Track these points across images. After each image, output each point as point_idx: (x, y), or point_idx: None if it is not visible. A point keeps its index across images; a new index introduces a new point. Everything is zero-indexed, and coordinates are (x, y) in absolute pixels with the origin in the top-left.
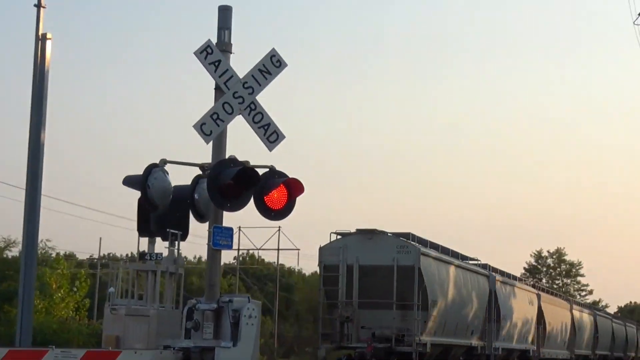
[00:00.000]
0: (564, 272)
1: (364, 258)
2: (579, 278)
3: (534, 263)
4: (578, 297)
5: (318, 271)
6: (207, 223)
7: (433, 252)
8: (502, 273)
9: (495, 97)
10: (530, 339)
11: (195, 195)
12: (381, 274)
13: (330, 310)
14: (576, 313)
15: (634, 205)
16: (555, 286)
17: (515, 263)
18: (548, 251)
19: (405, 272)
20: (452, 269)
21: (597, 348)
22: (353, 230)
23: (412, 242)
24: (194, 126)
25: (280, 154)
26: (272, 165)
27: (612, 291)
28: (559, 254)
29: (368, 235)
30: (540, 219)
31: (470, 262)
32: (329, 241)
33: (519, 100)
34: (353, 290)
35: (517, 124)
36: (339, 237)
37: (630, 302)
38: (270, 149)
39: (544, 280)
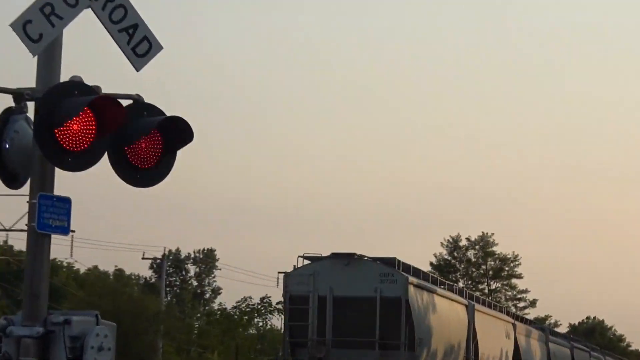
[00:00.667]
0: (491, 272)
1: (340, 288)
2: (514, 281)
3: (446, 257)
4: (514, 309)
5: (283, 303)
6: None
7: (418, 281)
8: (479, 300)
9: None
10: None
11: (5, 144)
12: (360, 307)
13: (296, 351)
14: (553, 347)
15: (587, 183)
16: (478, 293)
17: (418, 254)
18: (468, 239)
19: (389, 305)
20: (436, 299)
21: None
22: (326, 253)
23: (398, 270)
24: (13, 25)
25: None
26: (138, 95)
27: (559, 302)
28: (484, 243)
29: (344, 260)
30: (458, 195)
31: (446, 285)
32: (296, 266)
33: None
34: (326, 327)
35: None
36: (308, 262)
37: (588, 318)
38: (138, 67)
39: (461, 283)
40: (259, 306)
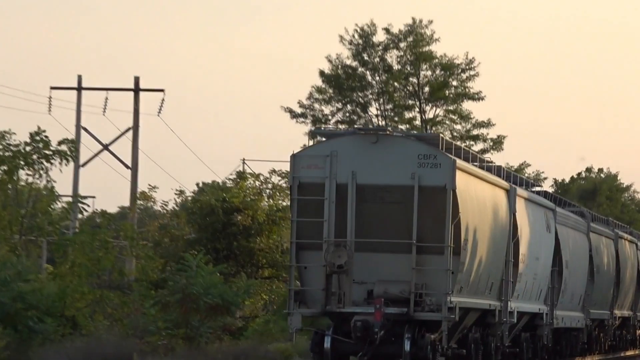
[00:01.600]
0: (428, 88)
1: (365, 173)
2: (467, 105)
3: (350, 62)
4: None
5: (289, 192)
6: None
7: (465, 164)
8: (515, 178)
9: None
10: (544, 293)
11: None
12: (392, 199)
13: (305, 255)
14: (595, 239)
15: None
16: (394, 123)
17: (301, 55)
18: (388, 31)
19: (431, 196)
20: (480, 185)
21: (617, 304)
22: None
23: (441, 151)
24: None
25: None
26: None
27: (538, 142)
28: (416, 39)
29: (371, 137)
30: None
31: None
32: (306, 144)
33: None
34: (347, 224)
35: None
36: (323, 139)
37: (589, 171)
38: None
39: (373, 109)
40: (27, 148)
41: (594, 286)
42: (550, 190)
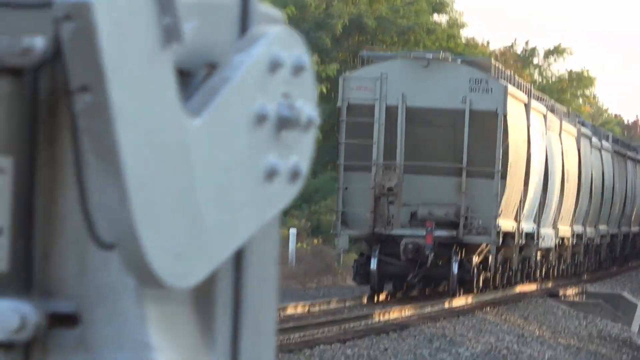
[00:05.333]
0: None
1: (416, 96)
2: None
3: None
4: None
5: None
6: None
7: (515, 90)
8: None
9: None
10: (535, 210)
11: None
12: (443, 123)
13: (353, 178)
14: (564, 139)
15: None
16: None
17: None
18: None
19: (482, 120)
20: (517, 106)
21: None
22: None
23: (493, 76)
24: None
25: None
26: None
27: None
28: None
29: (422, 61)
30: None
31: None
32: (358, 67)
33: None
34: (397, 147)
35: None
36: (374, 62)
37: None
38: None
39: None
40: None
41: (563, 199)
42: None
